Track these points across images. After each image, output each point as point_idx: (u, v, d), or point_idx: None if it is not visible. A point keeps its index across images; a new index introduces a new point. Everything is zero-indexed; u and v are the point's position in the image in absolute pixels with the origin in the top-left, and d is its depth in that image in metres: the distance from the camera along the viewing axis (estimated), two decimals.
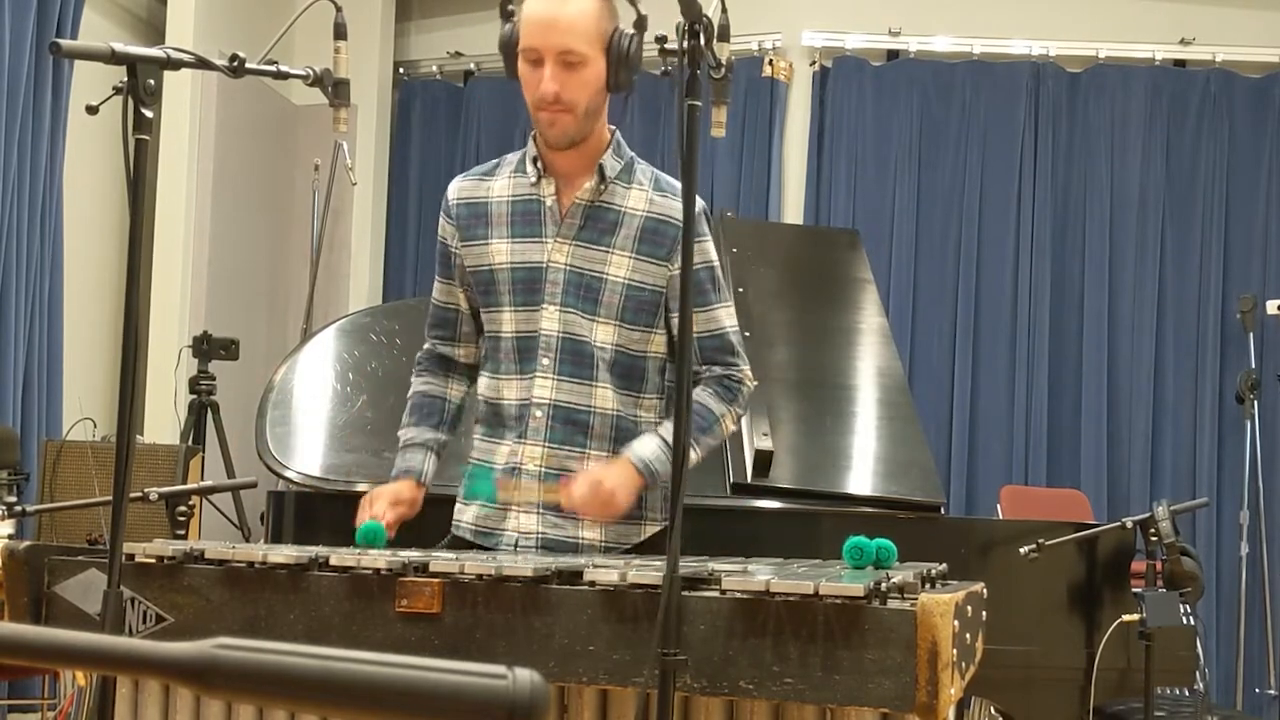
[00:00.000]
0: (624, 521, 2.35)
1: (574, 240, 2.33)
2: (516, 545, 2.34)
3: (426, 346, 2.53)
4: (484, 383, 2.41)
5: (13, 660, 0.74)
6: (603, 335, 2.32)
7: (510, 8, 2.30)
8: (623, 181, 2.35)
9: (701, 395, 2.35)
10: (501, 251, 2.35)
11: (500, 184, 2.40)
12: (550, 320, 2.32)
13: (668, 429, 2.29)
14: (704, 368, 2.38)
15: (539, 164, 2.34)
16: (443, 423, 2.47)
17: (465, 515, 2.41)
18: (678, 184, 2.37)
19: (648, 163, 2.43)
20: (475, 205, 2.40)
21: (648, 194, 2.35)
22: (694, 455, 2.31)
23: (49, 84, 4.83)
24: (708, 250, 2.36)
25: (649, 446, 2.29)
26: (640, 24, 2.24)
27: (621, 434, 2.34)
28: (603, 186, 2.33)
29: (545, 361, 2.32)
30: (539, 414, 2.32)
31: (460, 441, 2.56)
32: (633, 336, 2.34)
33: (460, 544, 2.39)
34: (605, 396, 2.33)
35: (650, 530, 2.39)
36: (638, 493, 2.27)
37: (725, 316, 2.39)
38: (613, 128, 2.38)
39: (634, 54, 2.25)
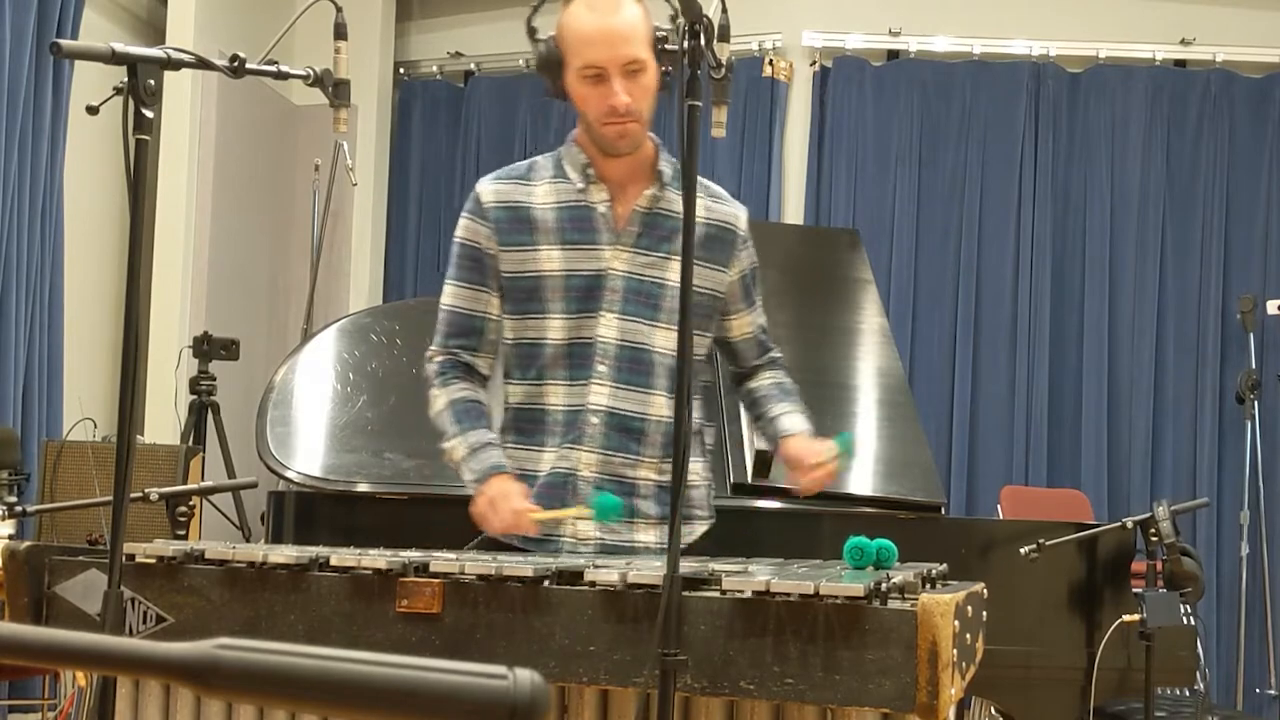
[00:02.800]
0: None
1: (633, 248, 2.32)
2: (575, 549, 2.30)
3: (442, 357, 2.38)
4: (515, 390, 2.37)
5: (13, 660, 0.74)
6: (663, 341, 2.32)
7: (534, 25, 2.25)
8: (675, 187, 2.34)
9: (779, 376, 2.51)
10: (553, 259, 2.30)
11: (542, 190, 2.35)
12: (608, 328, 2.29)
13: (800, 415, 2.42)
14: (767, 357, 2.52)
15: (589, 170, 2.32)
16: (492, 427, 2.35)
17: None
18: (723, 191, 2.45)
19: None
20: (517, 210, 2.34)
21: (704, 200, 2.36)
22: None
23: (49, 84, 4.83)
24: (754, 252, 2.46)
25: (798, 421, 2.41)
26: (676, 17, 2.24)
27: (669, 440, 2.32)
28: (660, 193, 2.33)
29: (602, 368, 2.30)
30: (594, 420, 2.30)
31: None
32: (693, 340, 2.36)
33: (500, 547, 2.32)
34: (659, 404, 2.32)
35: (699, 529, 2.40)
36: None
37: (762, 311, 2.53)
38: (651, 134, 2.36)
39: (672, 51, 2.25)
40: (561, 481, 2.31)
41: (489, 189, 2.37)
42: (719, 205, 2.38)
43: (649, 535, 2.33)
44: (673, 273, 2.31)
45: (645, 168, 2.34)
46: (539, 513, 2.21)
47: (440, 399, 2.36)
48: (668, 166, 2.34)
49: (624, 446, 2.31)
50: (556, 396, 2.32)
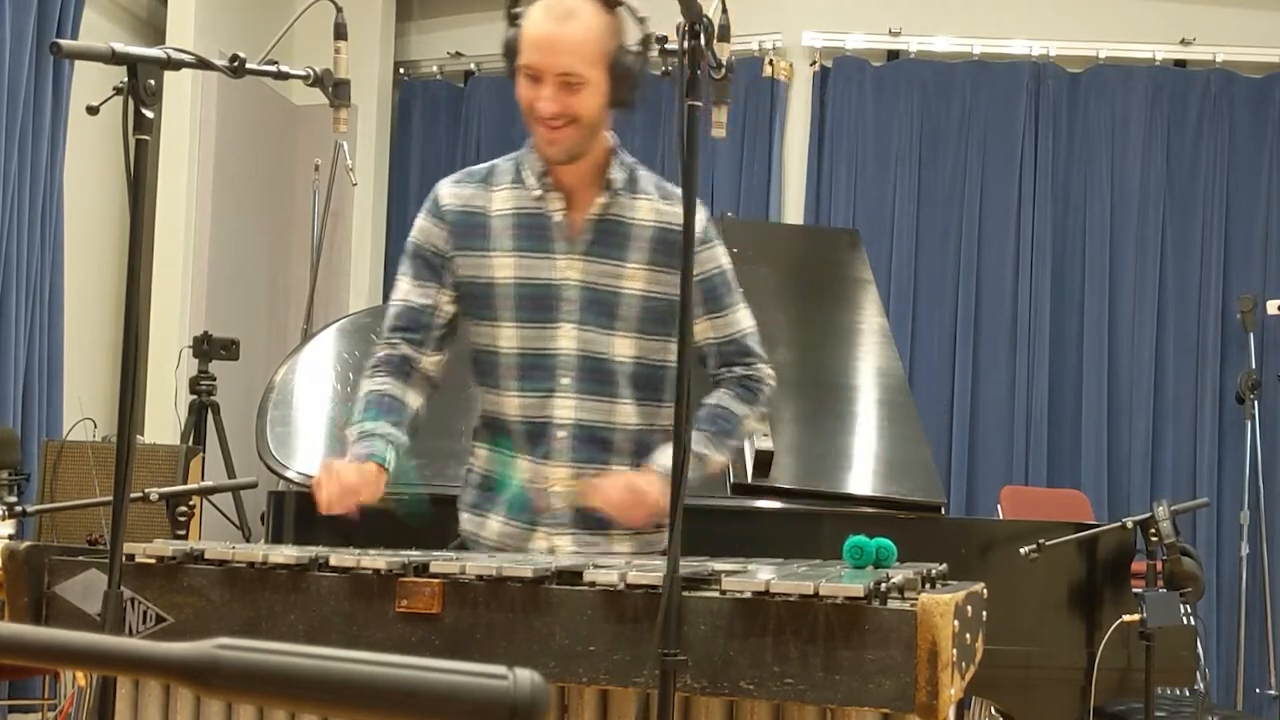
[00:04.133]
0: (647, 531, 2.34)
1: (586, 256, 2.28)
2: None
3: (383, 350, 2.36)
4: (480, 396, 2.37)
5: (13, 660, 0.74)
6: (622, 349, 2.29)
7: (516, 10, 2.24)
8: (628, 192, 2.31)
9: (722, 398, 2.35)
10: (505, 266, 2.29)
11: (500, 195, 2.33)
12: (568, 339, 2.27)
13: (696, 437, 2.25)
14: (723, 370, 2.37)
15: (546, 178, 2.29)
16: (402, 422, 2.29)
17: (486, 530, 2.34)
18: (678, 191, 2.35)
19: (647, 168, 2.39)
20: (473, 214, 2.33)
21: (654, 203, 2.31)
22: (720, 459, 2.32)
23: (49, 84, 4.83)
24: (720, 255, 2.36)
25: (670, 455, 2.27)
26: (647, 41, 2.22)
27: (642, 448, 2.32)
28: (611, 200, 2.29)
29: (565, 381, 2.28)
30: (562, 434, 2.28)
31: (449, 443, 2.53)
32: (652, 347, 2.31)
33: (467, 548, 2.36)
34: (627, 412, 2.30)
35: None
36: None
37: (743, 318, 2.38)
38: (613, 135, 2.33)
39: (638, 73, 2.21)
40: (535, 498, 2.29)
41: (448, 191, 2.37)
42: (669, 206, 2.31)
43: (625, 546, 2.33)
44: (627, 280, 2.28)
45: (598, 175, 2.29)
46: (365, 496, 2.15)
47: (362, 389, 2.33)
48: (620, 173, 2.30)
49: (594, 458, 2.29)
50: (512, 408, 2.31)
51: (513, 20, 2.25)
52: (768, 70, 5.99)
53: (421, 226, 2.37)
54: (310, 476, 3.27)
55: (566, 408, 2.28)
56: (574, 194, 2.30)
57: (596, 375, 2.29)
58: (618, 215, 2.30)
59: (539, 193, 2.30)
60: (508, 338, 2.30)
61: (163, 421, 5.33)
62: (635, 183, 2.33)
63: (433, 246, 2.35)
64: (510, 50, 2.24)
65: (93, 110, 1.88)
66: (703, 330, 2.34)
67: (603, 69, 2.19)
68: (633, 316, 2.29)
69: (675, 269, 2.29)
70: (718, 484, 3.21)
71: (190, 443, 4.86)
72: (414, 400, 2.33)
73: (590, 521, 2.30)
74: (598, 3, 2.19)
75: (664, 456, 2.25)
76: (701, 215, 2.33)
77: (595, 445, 2.29)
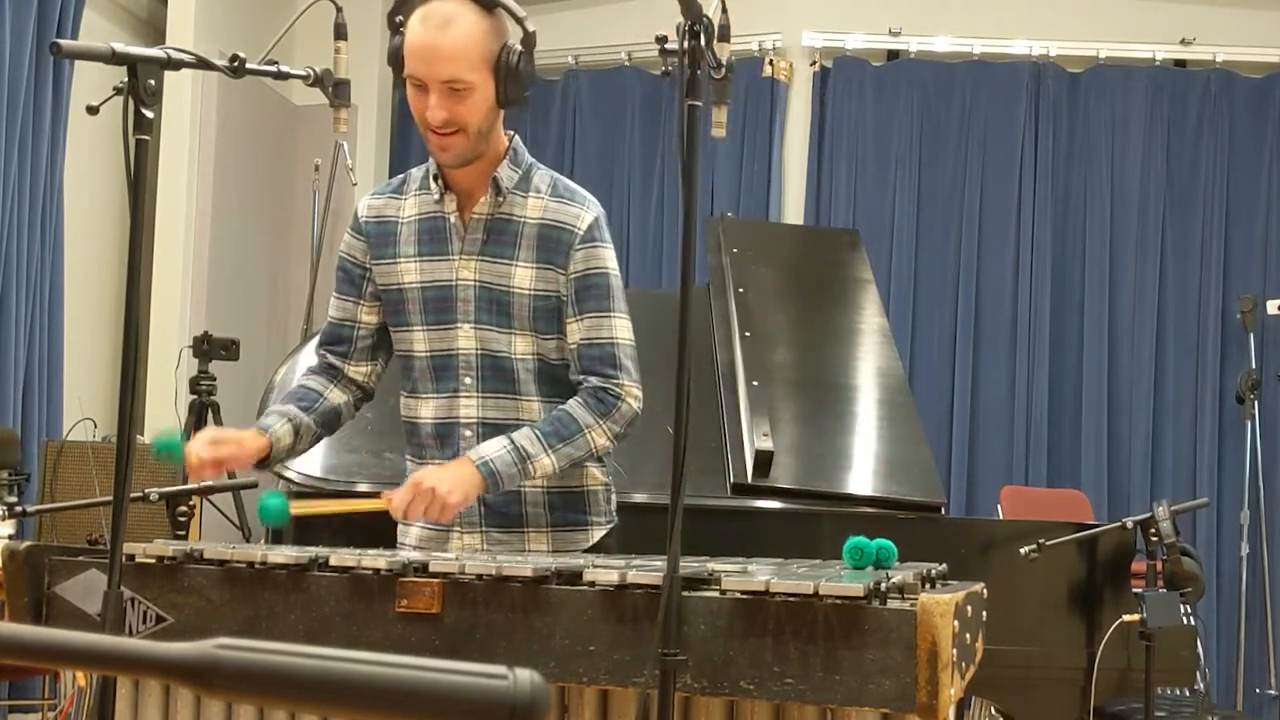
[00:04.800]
0: (567, 528, 2.35)
1: (479, 256, 2.29)
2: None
3: (314, 360, 2.48)
4: (402, 403, 2.40)
5: (13, 660, 0.74)
6: (522, 347, 2.30)
7: (398, 19, 2.24)
8: (520, 191, 2.31)
9: (570, 404, 2.28)
10: (410, 270, 2.33)
11: (410, 202, 2.37)
12: (467, 339, 2.30)
13: (523, 433, 2.24)
14: (582, 377, 2.30)
15: (440, 180, 2.31)
16: (312, 409, 2.36)
17: (408, 536, 2.38)
18: (581, 190, 2.35)
19: (549, 168, 2.38)
20: (385, 224, 2.38)
21: (544, 201, 2.30)
22: (548, 463, 2.23)
23: (49, 84, 4.83)
24: (605, 257, 2.31)
25: (493, 445, 2.22)
26: (528, 41, 2.22)
27: None
28: (500, 199, 2.29)
29: (468, 380, 2.30)
30: (468, 433, 2.30)
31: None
32: (549, 345, 2.32)
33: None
34: (532, 409, 2.31)
35: (597, 534, 2.38)
36: (474, 490, 2.18)
37: (617, 328, 2.31)
38: (511, 133, 2.34)
39: (523, 71, 2.21)
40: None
41: (365, 204, 2.43)
42: (558, 204, 2.30)
43: (541, 543, 2.33)
44: (518, 279, 2.28)
45: (489, 175, 2.30)
46: (228, 454, 2.20)
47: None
48: (509, 172, 2.30)
49: None
50: (427, 409, 2.35)
51: (395, 29, 2.25)
52: (768, 70, 5.99)
53: (345, 241, 2.45)
54: (310, 477, 3.29)
55: (470, 406, 2.31)
56: (469, 195, 2.32)
57: (498, 374, 2.30)
58: (507, 214, 2.31)
59: (438, 196, 2.32)
60: (420, 340, 2.34)
61: (163, 421, 5.32)
62: (528, 181, 2.32)
63: (353, 259, 2.42)
64: (395, 60, 2.25)
65: (93, 110, 1.88)
66: (570, 331, 2.30)
67: (487, 72, 2.20)
68: (525, 315, 2.29)
69: (559, 267, 2.29)
70: (718, 484, 3.22)
71: None
72: (336, 396, 2.41)
73: (500, 519, 2.32)
74: (476, 6, 2.19)
75: (485, 445, 2.24)
76: (589, 215, 2.31)
77: None
